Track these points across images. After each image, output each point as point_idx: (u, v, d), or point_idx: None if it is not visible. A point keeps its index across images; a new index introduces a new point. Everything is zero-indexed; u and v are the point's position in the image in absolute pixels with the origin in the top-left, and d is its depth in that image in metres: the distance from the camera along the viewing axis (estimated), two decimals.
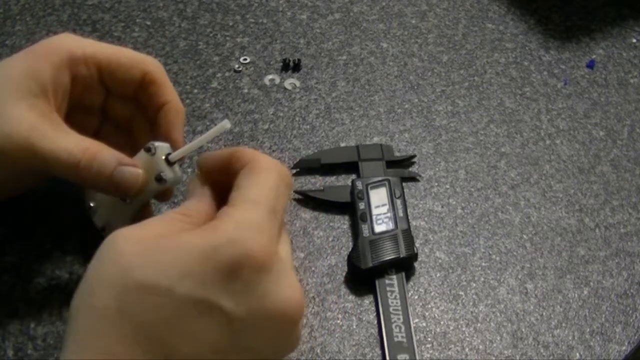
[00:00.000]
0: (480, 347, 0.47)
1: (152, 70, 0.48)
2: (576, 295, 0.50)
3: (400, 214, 0.51)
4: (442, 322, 0.48)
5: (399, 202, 0.52)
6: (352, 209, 0.53)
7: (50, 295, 0.48)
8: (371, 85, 0.63)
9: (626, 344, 0.48)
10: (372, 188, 0.53)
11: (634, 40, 0.69)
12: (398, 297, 0.48)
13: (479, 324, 0.48)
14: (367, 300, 0.49)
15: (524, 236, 0.53)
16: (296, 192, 0.54)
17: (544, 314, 0.49)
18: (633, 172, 0.58)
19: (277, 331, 0.37)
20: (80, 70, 0.46)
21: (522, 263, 0.52)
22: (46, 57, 0.45)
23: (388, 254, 0.49)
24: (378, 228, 0.50)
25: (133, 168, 0.44)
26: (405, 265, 0.50)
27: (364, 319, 0.48)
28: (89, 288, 0.35)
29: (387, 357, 0.45)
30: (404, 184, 0.55)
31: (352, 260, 0.49)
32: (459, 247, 0.52)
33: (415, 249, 0.50)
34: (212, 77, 0.62)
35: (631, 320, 0.49)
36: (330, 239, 0.52)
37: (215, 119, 0.59)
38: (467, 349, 0.47)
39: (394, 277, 0.49)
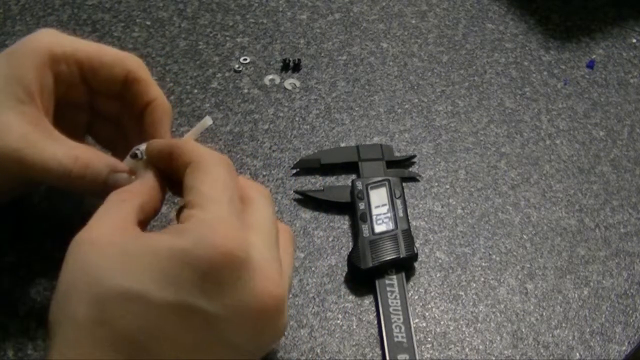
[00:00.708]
0: (480, 347, 0.47)
1: (134, 68, 0.47)
2: (576, 295, 0.50)
3: (400, 214, 0.51)
4: (442, 322, 0.48)
5: (399, 202, 0.52)
6: (352, 209, 0.53)
7: (50, 295, 0.47)
8: (371, 85, 0.63)
9: (626, 344, 0.48)
10: (372, 188, 0.53)
11: (634, 40, 0.69)
12: (398, 297, 0.48)
13: (479, 324, 0.48)
14: (367, 301, 0.49)
15: (524, 236, 0.53)
16: (296, 192, 0.55)
17: (544, 314, 0.49)
18: (633, 172, 0.58)
19: (259, 324, 0.36)
20: (61, 69, 0.45)
21: (522, 263, 0.52)
22: (28, 60, 0.44)
23: (388, 254, 0.49)
24: (378, 228, 0.50)
25: (125, 175, 0.44)
26: (405, 266, 0.50)
27: (364, 319, 0.48)
28: (64, 298, 0.35)
29: (387, 357, 0.45)
30: (404, 184, 0.55)
31: (352, 260, 0.49)
32: (459, 247, 0.52)
33: (415, 249, 0.50)
34: (212, 77, 0.62)
35: (631, 320, 0.49)
36: (330, 239, 0.52)
37: (215, 119, 0.59)
38: (467, 349, 0.47)
39: (394, 277, 0.49)
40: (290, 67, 0.64)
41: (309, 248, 0.52)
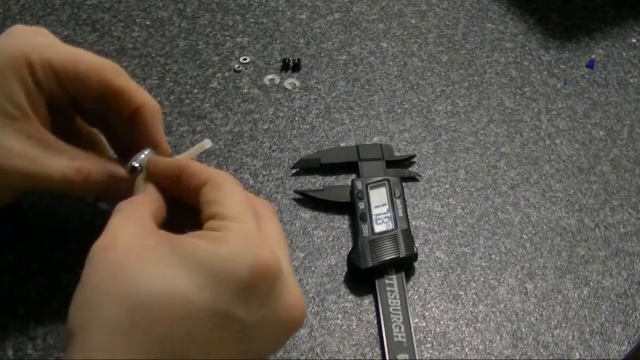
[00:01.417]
0: (480, 347, 0.47)
1: (111, 78, 0.44)
2: (576, 295, 0.50)
3: (400, 214, 0.51)
4: (442, 322, 0.48)
5: (399, 202, 0.52)
6: (352, 209, 0.53)
7: (50, 295, 0.48)
8: (371, 85, 0.63)
9: (626, 344, 0.48)
10: (372, 188, 0.53)
11: (634, 40, 0.69)
12: (398, 297, 0.48)
13: (479, 324, 0.48)
14: (367, 301, 0.49)
15: (524, 236, 0.53)
16: (296, 192, 0.55)
17: (544, 314, 0.49)
18: (633, 172, 0.58)
19: (284, 335, 0.38)
20: (39, 76, 0.43)
21: (522, 263, 0.52)
22: (8, 71, 0.42)
23: (388, 254, 0.49)
24: (378, 228, 0.50)
25: (125, 185, 0.44)
26: (405, 266, 0.50)
27: (364, 319, 0.48)
28: (90, 305, 0.34)
29: (387, 357, 0.45)
30: (404, 184, 0.55)
31: (352, 260, 0.49)
32: (459, 247, 0.52)
33: (415, 249, 0.50)
34: (212, 77, 0.62)
35: (631, 320, 0.49)
36: (330, 239, 0.52)
37: (215, 119, 0.59)
38: (467, 349, 0.47)
39: (394, 277, 0.49)
40: (290, 67, 0.64)
41: (309, 248, 0.52)
